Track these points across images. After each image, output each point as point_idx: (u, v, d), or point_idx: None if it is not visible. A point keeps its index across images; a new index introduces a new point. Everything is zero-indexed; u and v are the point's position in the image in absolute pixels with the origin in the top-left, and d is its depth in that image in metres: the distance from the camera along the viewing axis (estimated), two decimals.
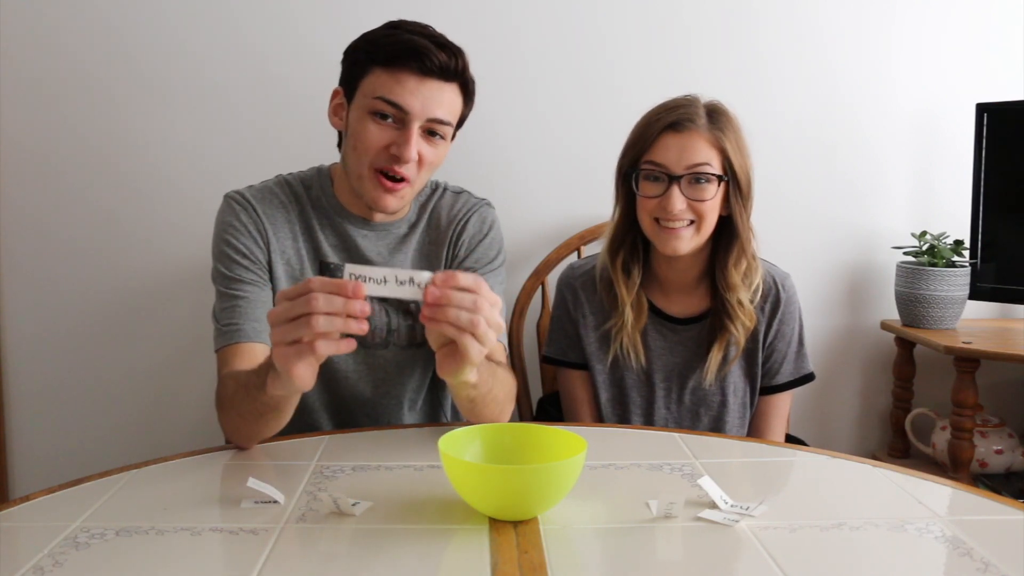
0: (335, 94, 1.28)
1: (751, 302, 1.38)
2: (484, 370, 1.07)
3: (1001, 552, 0.84)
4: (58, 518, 0.91)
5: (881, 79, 1.91)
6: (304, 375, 0.93)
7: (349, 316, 0.88)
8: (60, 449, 1.89)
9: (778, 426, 1.47)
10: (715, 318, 1.39)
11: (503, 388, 1.18)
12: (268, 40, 1.82)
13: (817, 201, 1.92)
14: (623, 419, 1.46)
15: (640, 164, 1.33)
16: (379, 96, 1.19)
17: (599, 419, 1.47)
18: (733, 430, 1.44)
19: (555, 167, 1.89)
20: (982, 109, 1.80)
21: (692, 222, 1.32)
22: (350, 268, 0.89)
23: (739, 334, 1.37)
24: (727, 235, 1.36)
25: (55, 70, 1.80)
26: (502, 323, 0.96)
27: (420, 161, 1.22)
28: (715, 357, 1.38)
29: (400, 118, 1.20)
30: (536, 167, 1.88)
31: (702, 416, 1.44)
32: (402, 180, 1.23)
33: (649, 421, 1.44)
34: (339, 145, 1.34)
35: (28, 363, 1.87)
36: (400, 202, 1.26)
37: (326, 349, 0.89)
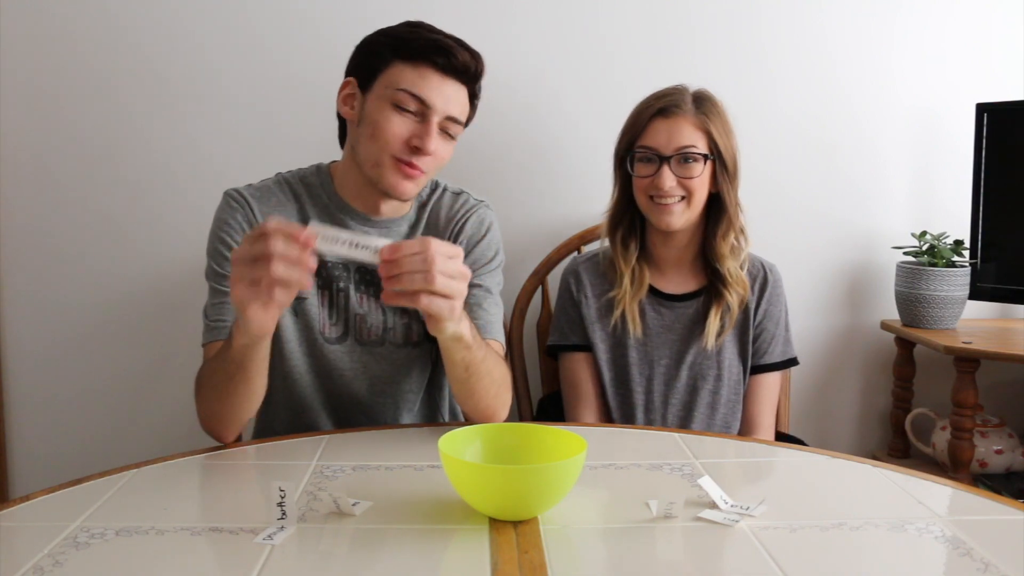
0: (346, 84, 1.29)
1: (743, 269, 1.49)
2: (477, 336, 1.13)
3: (1001, 552, 0.84)
4: (58, 518, 0.91)
5: (882, 79, 1.90)
6: (260, 318, 0.98)
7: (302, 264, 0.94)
8: (60, 449, 1.89)
9: (770, 407, 1.53)
10: (711, 287, 1.49)
11: (498, 367, 1.20)
12: (270, 40, 1.82)
13: (817, 201, 1.92)
14: (625, 398, 1.49)
15: (634, 148, 1.46)
16: (403, 88, 1.22)
17: (602, 405, 1.51)
18: (730, 404, 1.49)
19: (555, 167, 1.88)
20: (982, 109, 1.80)
21: (683, 198, 1.43)
22: (313, 226, 0.95)
23: (733, 300, 1.47)
24: (716, 211, 1.47)
25: (55, 71, 1.80)
26: (464, 270, 1.01)
27: (434, 157, 1.26)
28: (713, 323, 1.47)
29: (421, 112, 1.23)
30: (536, 167, 1.88)
31: (700, 389, 1.48)
32: (419, 171, 1.26)
33: (650, 399, 1.49)
34: (340, 136, 1.35)
35: (28, 363, 1.87)
36: (416, 188, 1.29)
37: (282, 296, 0.95)
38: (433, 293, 0.98)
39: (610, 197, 1.54)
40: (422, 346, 1.38)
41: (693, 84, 1.48)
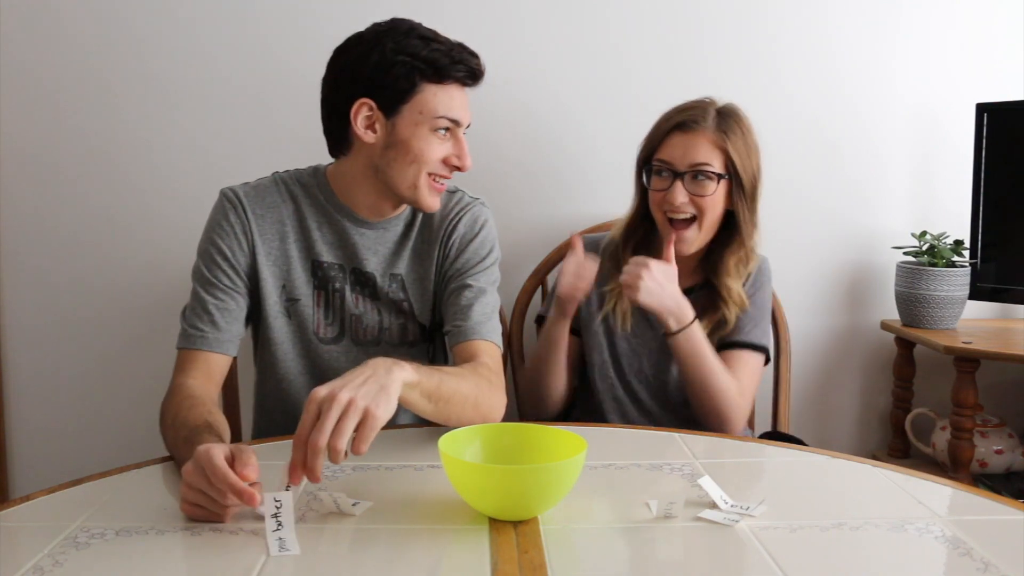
0: (361, 105, 1.25)
1: (743, 285, 1.47)
2: (421, 368, 1.06)
3: (1001, 552, 0.84)
4: (58, 518, 0.91)
5: (882, 79, 1.91)
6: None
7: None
8: (60, 449, 1.89)
9: (742, 380, 1.43)
10: (707, 297, 1.47)
11: (464, 380, 1.14)
12: (266, 39, 1.82)
13: (818, 200, 1.92)
14: (619, 378, 1.51)
15: (651, 161, 1.45)
16: (442, 115, 1.25)
17: (565, 383, 1.52)
18: None
19: (555, 167, 1.88)
20: (982, 109, 1.80)
21: (695, 217, 1.43)
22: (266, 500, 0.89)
23: (730, 315, 1.46)
24: (729, 227, 1.46)
25: (54, 69, 1.80)
26: (346, 397, 0.92)
27: None
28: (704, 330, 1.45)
29: (452, 130, 1.28)
30: (536, 167, 1.88)
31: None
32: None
33: (642, 379, 1.51)
34: (331, 147, 1.33)
35: (28, 363, 1.87)
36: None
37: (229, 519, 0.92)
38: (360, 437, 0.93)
39: (631, 204, 1.54)
40: (418, 346, 1.38)
41: (722, 98, 1.46)
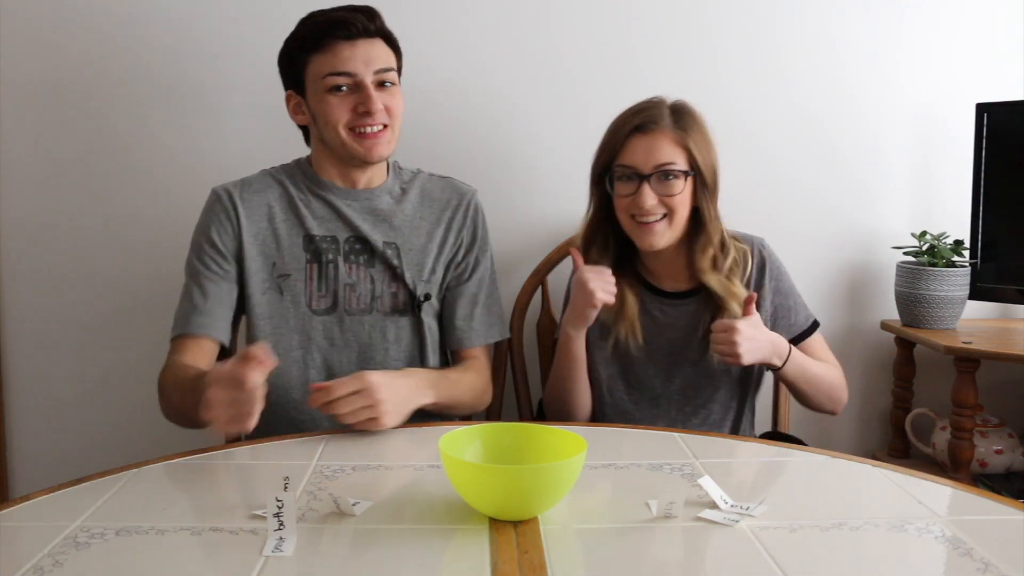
0: (289, 97, 1.42)
1: (734, 276, 1.45)
2: (443, 387, 1.34)
3: (1001, 552, 0.84)
4: (58, 518, 0.91)
5: (882, 79, 1.90)
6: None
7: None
8: (60, 449, 1.89)
9: (827, 354, 1.52)
10: (709, 300, 1.46)
11: (470, 390, 1.42)
12: (260, 41, 1.80)
13: (818, 199, 1.92)
14: (632, 390, 1.49)
15: (613, 167, 1.42)
16: (327, 73, 1.33)
17: (590, 395, 1.52)
18: (733, 398, 1.49)
19: (555, 167, 1.88)
20: (982, 109, 1.80)
21: (665, 216, 1.41)
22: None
23: (735, 309, 1.43)
24: (696, 225, 1.45)
25: (51, 73, 1.80)
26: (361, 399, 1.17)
27: (388, 110, 1.37)
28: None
29: (354, 83, 1.34)
30: (536, 167, 1.88)
31: (704, 386, 1.48)
32: (382, 128, 1.37)
33: (653, 395, 1.49)
34: (305, 137, 1.47)
35: (28, 363, 1.87)
36: (387, 146, 1.39)
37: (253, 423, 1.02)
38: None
39: (585, 215, 1.50)
40: (409, 315, 1.42)
41: (671, 96, 1.44)
